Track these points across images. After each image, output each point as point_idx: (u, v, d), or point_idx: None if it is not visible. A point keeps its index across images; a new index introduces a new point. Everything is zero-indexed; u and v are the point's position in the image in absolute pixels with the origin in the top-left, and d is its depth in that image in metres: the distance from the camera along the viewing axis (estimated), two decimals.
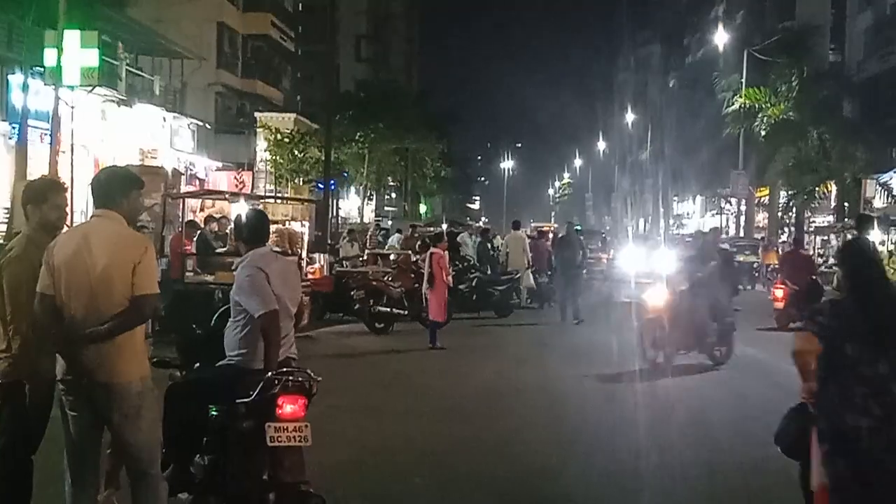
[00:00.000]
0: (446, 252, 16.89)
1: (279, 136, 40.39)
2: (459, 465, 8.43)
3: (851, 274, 5.23)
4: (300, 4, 56.53)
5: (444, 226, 37.66)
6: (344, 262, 23.10)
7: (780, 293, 21.50)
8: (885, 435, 4.83)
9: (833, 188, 48.76)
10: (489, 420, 10.44)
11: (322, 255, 20.51)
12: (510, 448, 9.12)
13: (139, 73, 35.79)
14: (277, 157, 40.48)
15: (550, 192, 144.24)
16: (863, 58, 52.78)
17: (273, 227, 21.78)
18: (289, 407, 5.84)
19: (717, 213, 65.60)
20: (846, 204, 47.56)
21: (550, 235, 29.82)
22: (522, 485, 7.91)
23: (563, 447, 9.16)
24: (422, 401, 11.54)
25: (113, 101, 31.35)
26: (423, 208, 64.84)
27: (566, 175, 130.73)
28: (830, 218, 49.89)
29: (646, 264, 29.41)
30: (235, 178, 37.08)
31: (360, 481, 7.82)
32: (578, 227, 24.92)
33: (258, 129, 41.78)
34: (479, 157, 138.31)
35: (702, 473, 8.24)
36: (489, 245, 27.10)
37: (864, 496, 4.87)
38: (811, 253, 31.09)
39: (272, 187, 39.88)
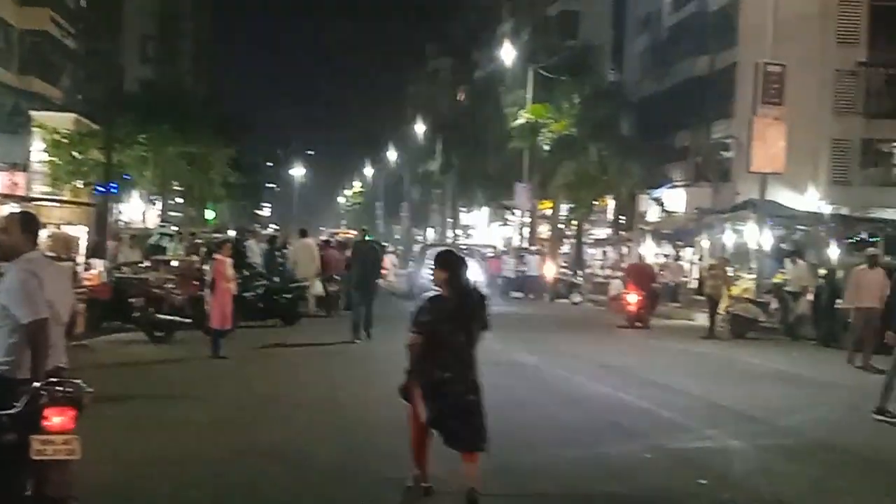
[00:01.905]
0: (230, 259, 16.57)
1: (57, 137, 38.66)
2: (235, 475, 8.28)
3: (450, 276, 7.55)
4: (83, 0, 54.26)
5: (232, 232, 37.03)
6: (123, 267, 22.28)
7: (632, 298, 25.92)
8: (462, 381, 7.34)
9: (611, 202, 51.02)
10: (269, 429, 10.33)
11: (100, 261, 19.75)
12: (289, 456, 9.03)
13: None
14: (56, 159, 38.74)
15: (341, 200, 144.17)
16: (639, 78, 55.48)
17: (48, 231, 20.82)
18: (56, 419, 5.58)
19: (502, 224, 67.32)
20: (622, 217, 49.83)
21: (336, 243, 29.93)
22: (300, 493, 7.86)
23: (343, 455, 9.15)
24: (200, 411, 11.28)
25: None
26: (210, 214, 63.40)
27: (357, 184, 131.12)
28: (608, 230, 52.16)
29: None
30: (9, 179, 35.24)
31: (132, 495, 7.57)
32: (369, 237, 25.03)
33: (34, 129, 39.84)
34: (270, 164, 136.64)
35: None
36: (277, 252, 26.84)
37: (447, 422, 7.33)
38: (651, 264, 33.10)
39: (49, 189, 38.06)
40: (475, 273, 30.53)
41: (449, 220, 79.34)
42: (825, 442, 10.65)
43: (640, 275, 27.16)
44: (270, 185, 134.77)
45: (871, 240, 32.59)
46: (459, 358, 7.37)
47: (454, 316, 7.38)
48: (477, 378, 7.43)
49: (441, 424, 7.37)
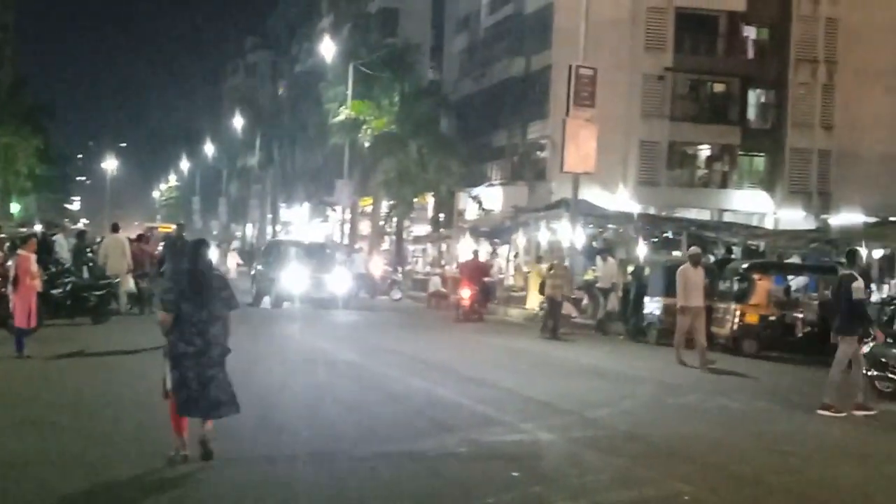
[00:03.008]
0: (34, 254, 15.84)
1: None
2: (30, 480, 7.91)
3: (192, 260, 8.55)
4: None
5: (38, 227, 35.46)
6: None
7: (466, 293, 27.25)
8: (205, 355, 8.26)
9: (430, 199, 51.54)
10: (71, 431, 9.91)
11: None
12: (86, 459, 8.67)
13: None
14: None
15: (156, 194, 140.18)
16: (458, 77, 56.24)
17: None
18: None
19: (323, 221, 67.02)
20: (442, 215, 50.40)
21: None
22: (96, 497, 7.60)
23: (145, 459, 8.79)
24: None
25: None
26: (15, 208, 60.51)
27: (173, 178, 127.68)
28: (428, 227, 52.65)
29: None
30: None
31: None
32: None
33: None
34: (80, 156, 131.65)
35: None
36: (86, 248, 25.84)
37: (187, 392, 8.21)
38: (485, 261, 33.55)
39: None
40: (352, 269, 30.56)
41: (269, 215, 78.38)
42: (631, 433, 11.08)
43: (474, 271, 28.33)
44: (81, 178, 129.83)
45: (675, 238, 34.16)
46: (201, 333, 8.27)
47: (195, 295, 8.30)
48: (221, 353, 8.40)
49: (181, 393, 8.24)
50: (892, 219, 35.20)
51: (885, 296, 23.64)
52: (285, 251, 29.94)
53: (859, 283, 13.40)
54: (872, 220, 34.43)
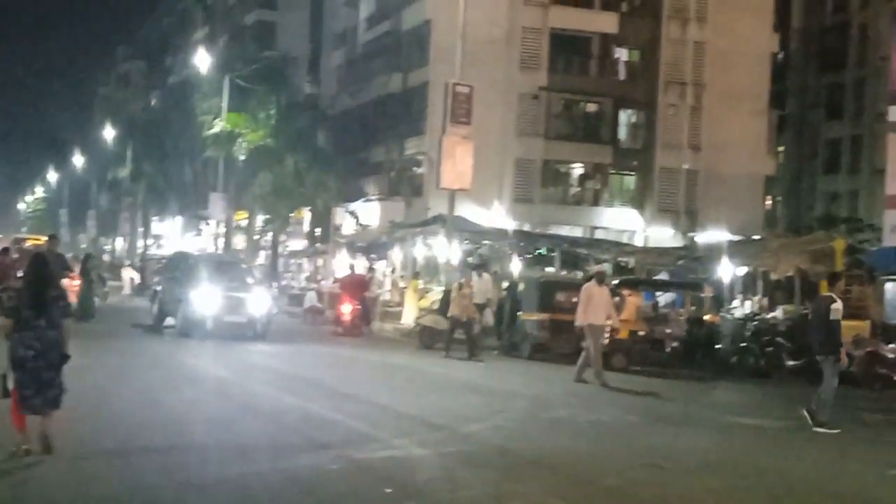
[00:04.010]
0: None
1: None
2: None
3: (33, 271, 9.29)
4: None
5: None
6: None
7: (346, 308, 27.13)
8: (43, 359, 8.98)
9: (307, 214, 51.21)
10: None
11: None
12: None
13: None
14: None
15: (22, 206, 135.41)
16: (336, 92, 56.11)
17: None
18: None
19: (196, 235, 65.83)
20: (318, 229, 50.14)
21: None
22: None
23: None
24: None
25: None
26: None
27: (40, 189, 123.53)
28: (304, 242, 52.29)
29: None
30: None
31: None
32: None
33: None
34: None
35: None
36: None
37: (25, 391, 8.96)
38: (365, 275, 33.29)
39: None
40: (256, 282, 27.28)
41: (140, 228, 76.55)
42: (502, 448, 11.20)
43: (354, 285, 28.37)
44: None
45: (549, 255, 34.72)
46: (40, 339, 9.02)
47: (35, 304, 9.08)
48: (59, 357, 9.13)
49: (21, 392, 8.98)
50: (754, 237, 36.55)
51: (748, 312, 24.48)
52: (194, 266, 25.31)
53: (838, 306, 13.82)
54: (736, 238, 35.65)
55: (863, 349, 20.21)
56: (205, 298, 22.87)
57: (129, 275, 45.28)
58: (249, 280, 25.81)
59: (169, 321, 24.23)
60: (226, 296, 23.08)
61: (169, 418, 12.00)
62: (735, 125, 46.75)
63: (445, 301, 23.85)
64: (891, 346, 20.20)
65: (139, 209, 74.76)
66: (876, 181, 42.87)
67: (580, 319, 18.33)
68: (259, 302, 23.76)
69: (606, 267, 32.71)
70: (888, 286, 25.91)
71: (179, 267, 25.99)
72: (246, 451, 10.16)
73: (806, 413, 13.80)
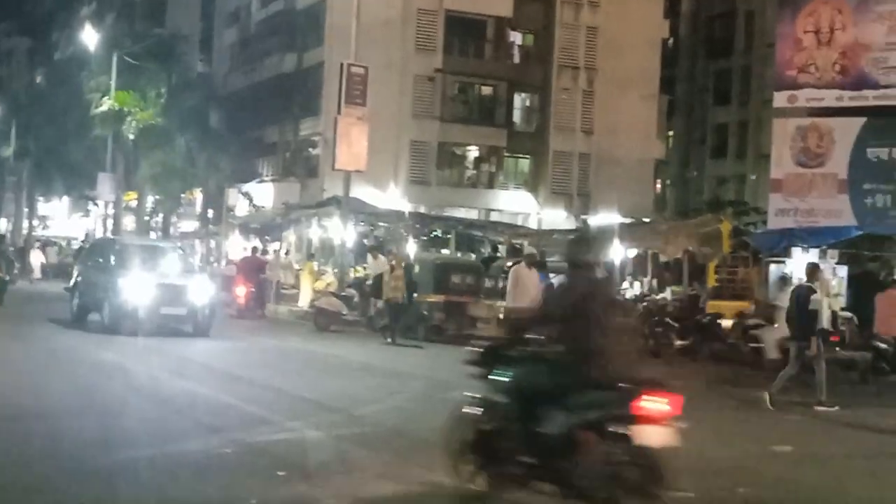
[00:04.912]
0: None
1: None
2: None
3: None
4: None
5: None
6: None
7: (241, 290, 27.32)
8: None
9: (199, 195, 50.40)
10: None
11: None
12: None
13: None
14: None
15: None
16: (229, 71, 55.25)
17: None
18: None
19: (84, 216, 64.23)
20: (211, 211, 49.41)
21: None
22: None
23: None
24: None
25: None
26: None
27: None
28: (196, 224, 51.47)
29: None
30: None
31: None
32: None
33: None
34: None
35: None
36: None
37: None
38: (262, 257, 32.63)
39: None
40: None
41: (25, 209, 74.30)
42: (398, 429, 11.24)
43: (250, 268, 28.26)
44: None
45: (444, 237, 34.89)
46: None
47: None
48: None
49: None
50: (644, 219, 37.31)
51: (637, 293, 25.01)
52: (122, 252, 22.34)
53: (818, 296, 14.82)
54: (627, 220, 36.34)
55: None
56: (136, 288, 20.27)
57: (39, 258, 43.95)
58: (188, 267, 23.17)
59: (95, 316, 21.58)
60: (161, 285, 20.59)
61: (56, 406, 11.74)
62: (626, 110, 47.55)
63: (377, 286, 23.45)
64: (775, 325, 20.85)
65: (24, 189, 72.57)
66: (761, 166, 44.18)
67: (509, 303, 18.16)
68: (200, 291, 21.13)
69: (501, 249, 33.15)
70: (772, 267, 26.70)
71: (104, 254, 23.11)
72: (135, 437, 10.00)
73: (766, 395, 14.61)
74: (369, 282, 26.59)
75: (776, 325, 18.34)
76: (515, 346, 7.79)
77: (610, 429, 6.71)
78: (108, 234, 36.53)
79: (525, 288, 17.88)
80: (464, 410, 7.85)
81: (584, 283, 7.43)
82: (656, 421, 6.63)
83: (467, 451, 7.71)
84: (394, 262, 22.88)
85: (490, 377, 7.70)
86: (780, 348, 17.69)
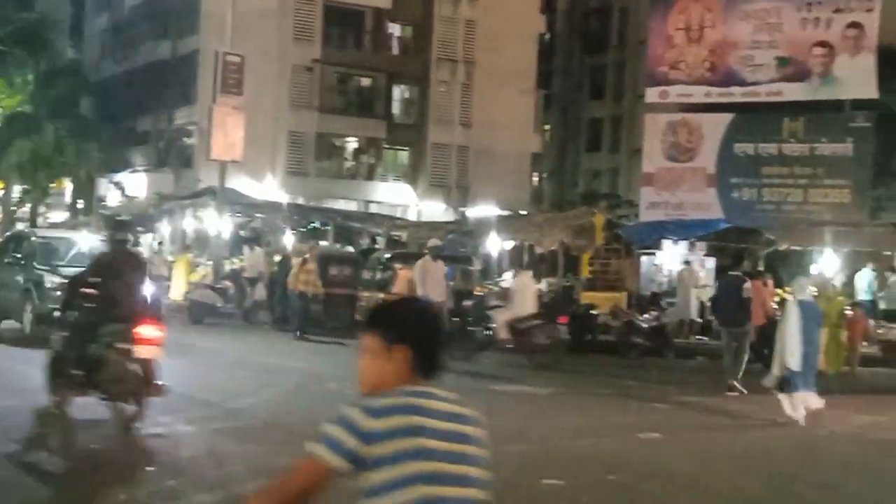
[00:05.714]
0: None
1: None
2: None
3: None
4: None
5: None
6: None
7: None
8: None
9: (68, 185, 48.95)
10: None
11: None
12: None
13: None
14: None
15: None
16: (101, 58, 53.76)
17: None
18: None
19: None
20: (81, 201, 48.07)
21: None
22: None
23: None
24: None
25: None
26: None
27: None
28: (66, 214, 49.98)
29: None
30: None
31: None
32: None
33: None
34: None
35: None
36: None
37: None
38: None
39: None
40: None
41: None
42: (272, 422, 11.16)
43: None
44: None
45: (323, 228, 34.68)
46: None
47: None
48: None
49: None
50: (521, 212, 37.81)
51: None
52: (43, 248, 19.47)
53: (748, 285, 15.71)
54: (504, 212, 36.74)
55: (620, 320, 21.34)
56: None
57: None
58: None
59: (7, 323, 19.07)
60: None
61: None
62: (504, 103, 48.03)
63: (283, 276, 22.87)
64: (645, 316, 21.39)
65: None
66: (634, 160, 45.17)
67: (420, 294, 17.44)
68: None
69: (380, 241, 33.12)
70: (643, 259, 27.39)
71: (20, 250, 19.81)
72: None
73: (735, 384, 15.16)
74: (245, 274, 26.28)
75: (508, 307, 18.67)
76: (79, 297, 10.52)
77: (119, 346, 9.86)
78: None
79: (435, 280, 17.95)
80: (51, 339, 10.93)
81: (113, 253, 10.79)
82: (149, 342, 10.04)
83: (50, 372, 10.42)
84: (307, 255, 22.36)
85: (57, 316, 11.70)
86: (509, 329, 18.06)
